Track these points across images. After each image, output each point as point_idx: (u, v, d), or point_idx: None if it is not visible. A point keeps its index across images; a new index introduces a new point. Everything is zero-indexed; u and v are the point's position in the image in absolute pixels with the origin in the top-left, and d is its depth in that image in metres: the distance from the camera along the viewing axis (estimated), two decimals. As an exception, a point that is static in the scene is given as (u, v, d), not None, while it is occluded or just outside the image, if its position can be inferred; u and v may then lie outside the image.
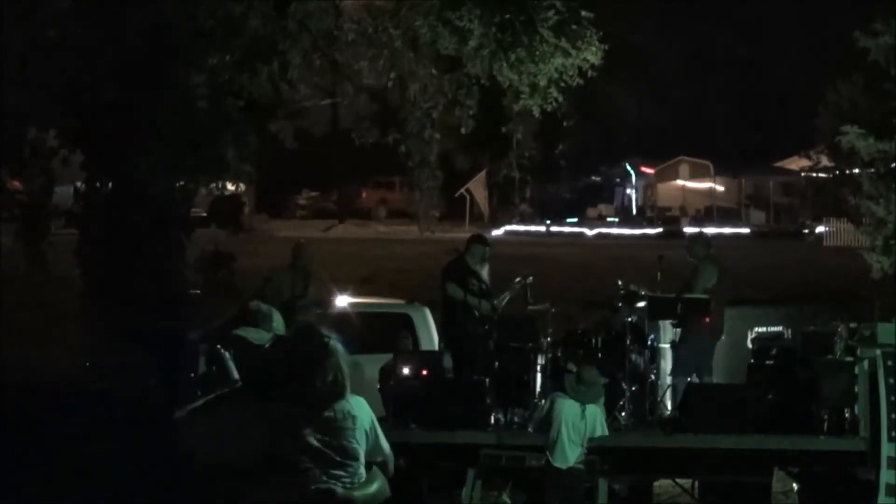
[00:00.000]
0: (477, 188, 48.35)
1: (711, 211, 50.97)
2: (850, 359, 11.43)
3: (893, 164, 24.03)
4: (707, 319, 12.39)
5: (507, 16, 15.81)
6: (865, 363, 11.01)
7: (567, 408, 10.70)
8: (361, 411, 5.09)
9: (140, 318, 13.40)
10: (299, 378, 4.95)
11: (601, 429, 10.88)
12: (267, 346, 8.98)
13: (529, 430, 10.88)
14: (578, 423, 10.68)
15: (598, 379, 10.86)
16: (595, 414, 10.83)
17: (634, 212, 52.95)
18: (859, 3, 26.35)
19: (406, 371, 11.92)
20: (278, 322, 10.19)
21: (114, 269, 15.22)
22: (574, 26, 15.94)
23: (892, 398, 10.68)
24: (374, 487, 5.06)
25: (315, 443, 4.97)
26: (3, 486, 9.22)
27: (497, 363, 12.24)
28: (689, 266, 12.86)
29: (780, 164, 52.84)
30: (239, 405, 5.08)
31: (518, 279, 13.02)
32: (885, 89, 24.93)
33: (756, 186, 52.64)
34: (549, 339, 12.51)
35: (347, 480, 5.00)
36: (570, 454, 10.65)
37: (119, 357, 10.94)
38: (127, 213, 15.28)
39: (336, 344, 5.02)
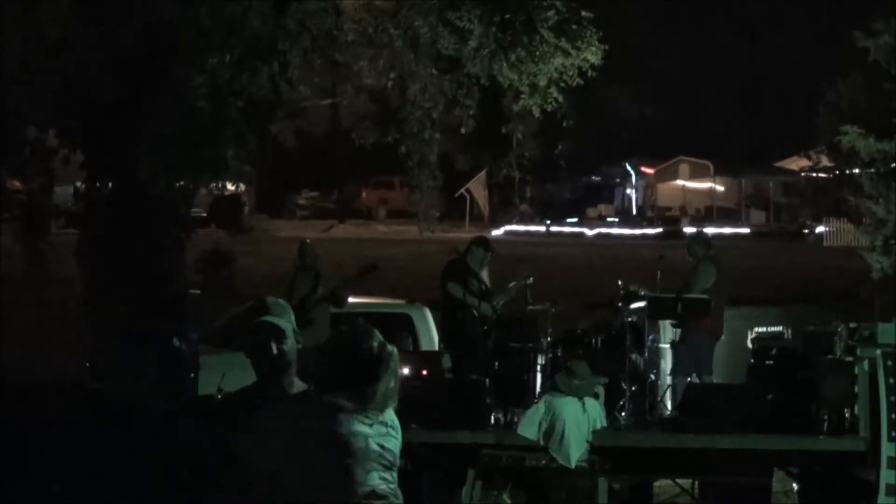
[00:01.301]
0: (477, 188, 48.35)
1: (711, 211, 50.99)
2: (850, 359, 11.42)
3: (893, 164, 24.05)
4: (707, 319, 12.40)
5: (507, 16, 15.80)
6: (865, 363, 11.00)
7: (568, 405, 10.68)
8: (398, 423, 4.98)
9: (140, 318, 13.39)
10: (363, 379, 4.75)
11: (601, 421, 10.88)
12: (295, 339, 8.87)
13: (520, 432, 10.84)
14: (581, 418, 10.67)
15: (588, 372, 10.84)
16: (595, 407, 10.83)
17: (634, 212, 52.96)
18: (859, 3, 26.36)
19: (406, 371, 11.93)
20: (293, 319, 10.12)
21: (114, 269, 15.21)
22: (574, 26, 15.93)
23: (892, 398, 10.68)
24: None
25: (375, 445, 4.82)
26: (3, 486, 9.21)
27: (497, 363, 12.25)
28: (689, 266, 12.87)
29: (780, 164, 52.84)
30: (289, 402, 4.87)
31: (513, 283, 13.04)
32: (885, 89, 24.94)
33: (756, 186, 52.66)
34: (549, 339, 12.52)
35: (393, 486, 4.87)
36: (575, 451, 10.64)
37: (119, 357, 10.94)
38: (127, 213, 15.27)
39: (394, 348, 4.87)
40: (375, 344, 4.77)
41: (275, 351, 4.96)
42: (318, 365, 4.79)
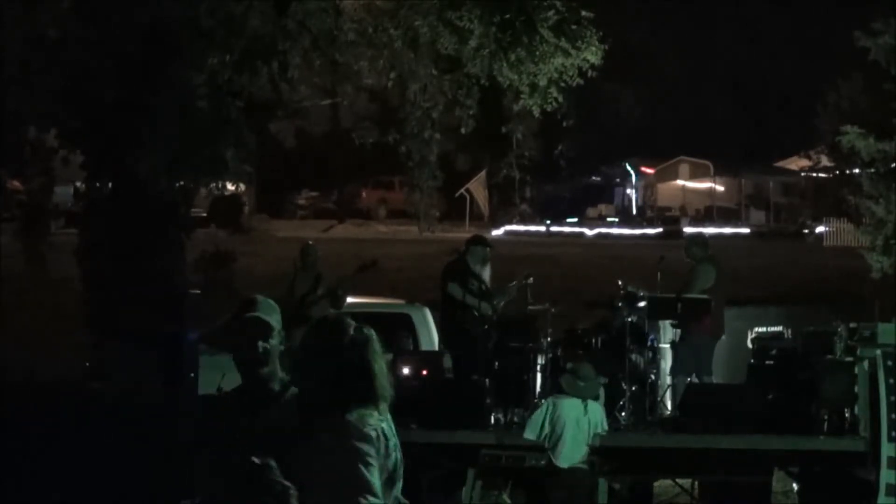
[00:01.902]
0: (477, 188, 48.32)
1: (711, 211, 50.97)
2: (850, 359, 11.42)
3: (893, 164, 24.04)
4: (707, 319, 12.39)
5: (507, 16, 15.80)
6: (865, 363, 11.00)
7: (569, 407, 10.68)
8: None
9: (140, 318, 13.40)
10: (365, 379, 4.58)
11: (602, 425, 10.87)
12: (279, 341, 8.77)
13: (525, 435, 10.84)
14: (582, 420, 10.68)
15: (593, 374, 10.85)
16: (597, 410, 10.83)
17: (634, 212, 52.94)
18: (859, 3, 26.35)
19: (406, 371, 11.93)
20: (280, 320, 10.10)
21: (114, 269, 15.21)
22: (574, 26, 15.93)
23: (892, 398, 10.67)
24: None
25: (399, 455, 4.68)
26: (3, 486, 9.21)
27: (497, 363, 12.25)
28: (688, 267, 12.86)
29: (780, 164, 52.83)
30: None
31: (513, 283, 13.04)
32: (885, 89, 24.92)
33: (756, 186, 52.64)
34: (549, 339, 12.52)
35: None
36: (573, 453, 10.64)
37: (119, 357, 10.93)
38: (127, 213, 15.27)
39: (370, 330, 4.73)
40: (353, 334, 4.68)
41: (260, 348, 4.89)
42: (319, 382, 4.64)
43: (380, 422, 4.61)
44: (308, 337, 4.71)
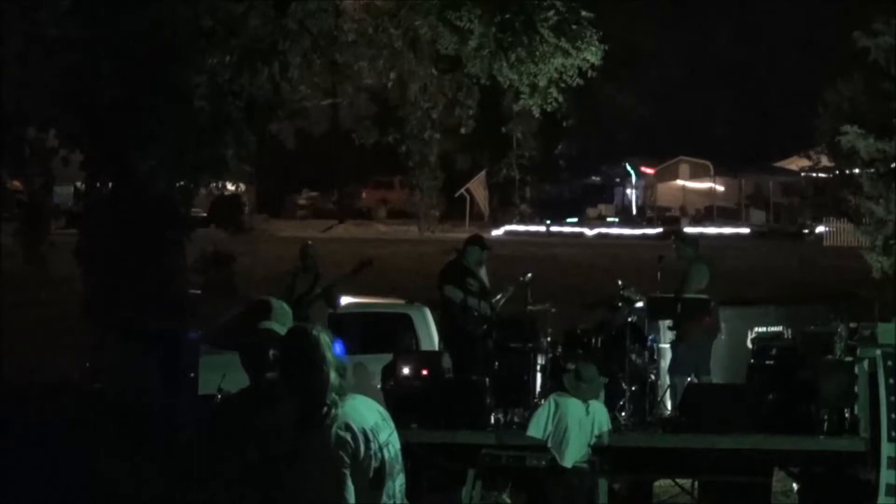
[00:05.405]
0: (477, 188, 48.33)
1: (711, 211, 50.99)
2: (850, 359, 11.42)
3: (893, 164, 24.05)
4: (706, 319, 12.40)
5: (507, 16, 15.78)
6: (865, 363, 11.00)
7: (572, 406, 10.67)
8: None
9: (140, 318, 13.40)
10: (313, 375, 4.66)
11: (607, 423, 10.84)
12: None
13: (529, 433, 10.82)
14: (585, 421, 10.67)
15: (596, 375, 10.84)
16: (599, 410, 10.81)
17: (634, 212, 52.96)
18: (859, 3, 26.35)
19: (406, 371, 11.94)
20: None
21: (114, 269, 15.19)
22: (574, 26, 15.91)
23: (892, 398, 10.68)
24: None
25: (392, 451, 4.75)
26: (3, 486, 9.22)
27: (497, 363, 12.25)
28: (681, 268, 12.84)
29: (780, 164, 52.86)
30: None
31: (511, 289, 13.03)
32: (885, 89, 24.93)
33: (756, 186, 52.66)
34: (549, 339, 12.52)
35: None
36: (576, 453, 10.62)
37: (119, 357, 10.94)
38: (127, 213, 15.26)
39: (315, 330, 4.73)
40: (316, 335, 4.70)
41: (271, 357, 4.94)
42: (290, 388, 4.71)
43: (361, 420, 4.61)
44: (284, 353, 4.75)
